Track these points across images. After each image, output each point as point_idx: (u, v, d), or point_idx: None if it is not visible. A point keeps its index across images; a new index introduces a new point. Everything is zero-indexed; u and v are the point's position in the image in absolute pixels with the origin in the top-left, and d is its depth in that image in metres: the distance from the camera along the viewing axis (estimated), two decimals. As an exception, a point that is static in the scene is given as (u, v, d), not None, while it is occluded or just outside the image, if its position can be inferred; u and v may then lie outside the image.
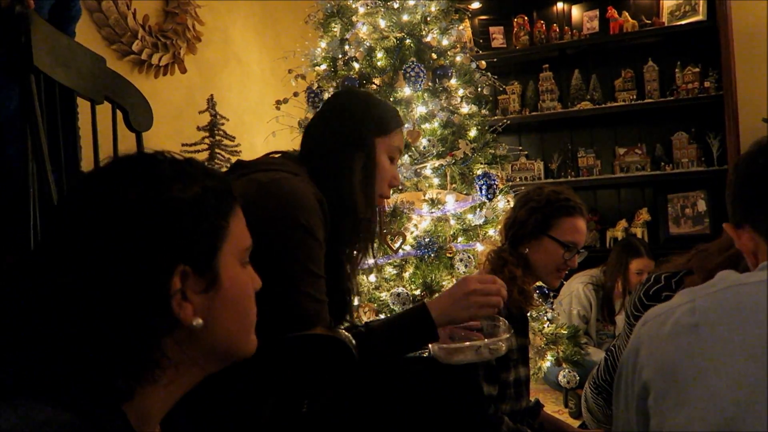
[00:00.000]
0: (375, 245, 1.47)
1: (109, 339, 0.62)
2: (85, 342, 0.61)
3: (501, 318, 1.35)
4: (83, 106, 1.61)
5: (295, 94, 2.73)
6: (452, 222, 2.36)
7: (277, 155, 1.38)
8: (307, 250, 1.18)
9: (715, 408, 0.69)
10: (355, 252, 1.42)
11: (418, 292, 2.21)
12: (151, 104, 1.78)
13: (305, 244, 1.18)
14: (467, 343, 1.27)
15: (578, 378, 2.34)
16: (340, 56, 2.61)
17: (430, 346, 1.28)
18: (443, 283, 2.21)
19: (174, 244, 0.65)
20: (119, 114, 1.67)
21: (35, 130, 1.33)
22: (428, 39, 2.58)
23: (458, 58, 2.65)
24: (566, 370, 2.36)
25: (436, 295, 1.27)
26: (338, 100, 1.45)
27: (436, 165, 2.41)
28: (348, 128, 1.35)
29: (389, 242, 2.31)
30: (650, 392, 0.77)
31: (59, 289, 0.62)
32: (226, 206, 0.72)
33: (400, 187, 2.39)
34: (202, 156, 2.72)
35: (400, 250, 2.27)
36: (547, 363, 2.47)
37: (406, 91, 2.46)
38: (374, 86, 2.54)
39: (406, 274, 2.27)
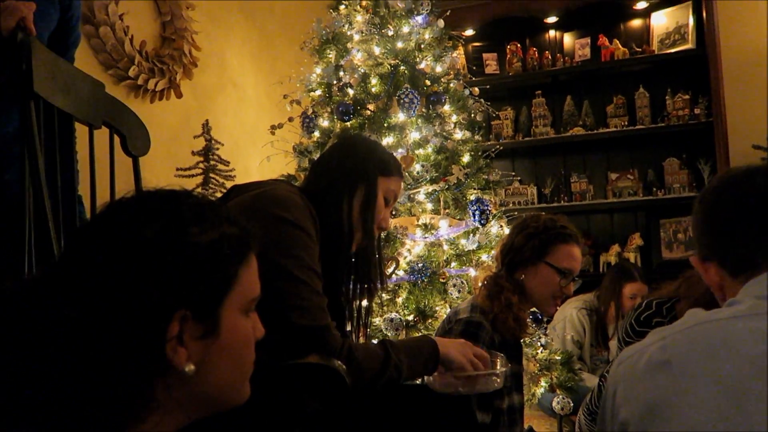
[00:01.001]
0: (375, 280, 1.48)
1: (101, 374, 0.61)
2: (78, 375, 0.61)
3: (499, 354, 1.37)
4: (81, 130, 1.62)
5: (290, 119, 2.75)
6: (445, 247, 2.36)
7: (273, 179, 1.41)
8: (299, 241, 1.20)
9: None
10: (354, 287, 1.45)
11: (411, 318, 2.20)
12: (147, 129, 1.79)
13: (295, 236, 1.20)
14: (463, 373, 1.28)
15: (572, 404, 2.33)
16: (335, 82, 2.64)
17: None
18: (436, 308, 2.21)
19: (179, 288, 0.64)
20: (117, 139, 1.68)
21: (33, 155, 1.34)
22: (422, 66, 2.61)
23: (452, 85, 2.69)
24: (560, 397, 2.35)
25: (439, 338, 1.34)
26: (347, 140, 1.54)
27: (430, 190, 2.43)
28: (353, 162, 1.40)
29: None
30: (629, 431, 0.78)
31: (59, 319, 0.61)
32: (240, 255, 0.71)
33: (393, 212, 2.40)
34: (197, 180, 2.72)
35: (393, 276, 2.27)
36: (541, 389, 2.46)
37: (400, 116, 2.48)
38: (368, 112, 2.56)
39: (399, 300, 2.27)
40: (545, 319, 2.66)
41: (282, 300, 1.15)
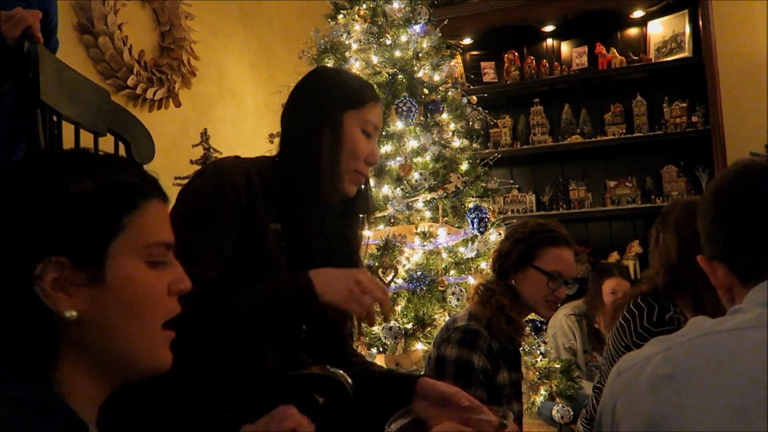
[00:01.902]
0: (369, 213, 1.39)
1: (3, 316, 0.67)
2: None
3: (510, 413, 1.27)
4: (86, 137, 1.62)
5: (289, 128, 2.75)
6: (444, 255, 2.37)
7: None
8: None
9: None
10: (350, 231, 1.33)
11: (410, 326, 2.20)
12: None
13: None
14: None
15: (572, 413, 2.32)
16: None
17: None
18: (435, 316, 2.21)
19: (49, 235, 0.66)
20: (122, 146, 1.69)
21: None
22: (420, 74, 2.62)
23: (450, 93, 2.70)
24: (560, 405, 2.35)
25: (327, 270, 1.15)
26: (306, 78, 1.36)
27: (428, 198, 2.43)
28: (313, 104, 1.27)
29: (381, 276, 2.31)
30: None
31: None
32: (128, 202, 0.71)
33: (391, 221, 2.40)
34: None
35: (392, 284, 2.27)
36: (540, 398, 2.45)
37: (398, 125, 2.49)
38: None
39: (398, 308, 2.27)
40: (544, 328, 2.65)
41: None
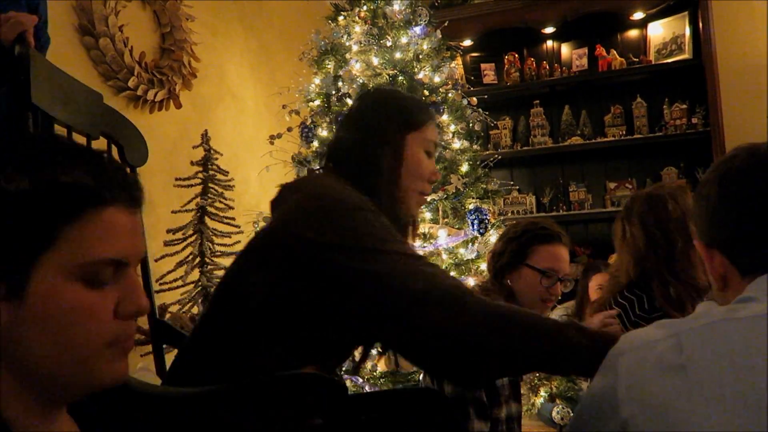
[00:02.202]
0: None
1: None
2: None
3: None
4: (79, 141, 1.62)
5: (289, 129, 2.76)
6: (444, 256, 2.37)
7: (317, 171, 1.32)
8: (369, 227, 1.08)
9: None
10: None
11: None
12: (145, 139, 1.80)
13: (365, 221, 1.09)
14: None
15: (572, 414, 2.32)
16: (333, 92, 2.66)
17: None
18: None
19: None
20: (114, 149, 1.69)
21: None
22: (420, 76, 2.63)
23: (450, 95, 2.70)
24: (560, 406, 2.34)
25: None
26: (364, 100, 1.39)
27: (428, 199, 2.43)
28: (374, 126, 1.29)
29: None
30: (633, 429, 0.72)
31: None
32: (68, 208, 0.60)
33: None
34: (195, 190, 2.73)
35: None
36: (540, 399, 2.45)
37: (398, 126, 2.49)
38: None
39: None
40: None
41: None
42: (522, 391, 2.26)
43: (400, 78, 2.59)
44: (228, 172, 2.83)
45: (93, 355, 0.63)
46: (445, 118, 2.62)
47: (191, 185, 2.71)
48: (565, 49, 4.39)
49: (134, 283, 0.66)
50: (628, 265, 1.80)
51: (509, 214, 4.07)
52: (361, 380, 2.15)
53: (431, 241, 2.33)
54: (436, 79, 2.66)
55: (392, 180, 1.26)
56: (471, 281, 2.32)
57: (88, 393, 0.67)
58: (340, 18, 2.79)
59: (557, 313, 2.99)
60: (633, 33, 4.24)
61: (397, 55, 2.62)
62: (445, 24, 2.90)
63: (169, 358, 1.39)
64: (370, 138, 1.28)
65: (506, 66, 4.33)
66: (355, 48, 2.68)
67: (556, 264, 1.67)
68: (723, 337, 0.70)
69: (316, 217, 1.11)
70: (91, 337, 0.62)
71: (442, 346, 1.00)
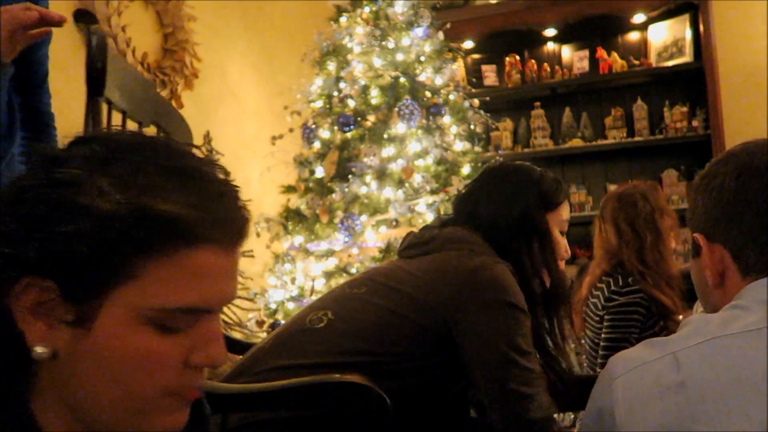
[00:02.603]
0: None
1: None
2: None
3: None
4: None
5: (291, 130, 2.77)
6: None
7: (459, 231, 1.32)
8: (516, 325, 1.18)
9: None
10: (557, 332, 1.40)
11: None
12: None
13: (518, 320, 1.18)
14: None
15: (573, 416, 2.32)
16: (335, 93, 2.66)
17: None
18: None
19: (39, 247, 0.51)
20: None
21: None
22: (422, 78, 2.63)
23: (451, 97, 2.71)
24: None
25: None
26: (506, 178, 1.38)
27: (430, 201, 2.44)
28: (521, 210, 1.32)
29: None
30: None
31: None
32: (156, 243, 0.52)
33: (393, 224, 2.40)
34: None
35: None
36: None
37: (400, 128, 2.50)
38: (369, 123, 2.58)
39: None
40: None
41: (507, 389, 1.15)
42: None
43: (402, 79, 2.59)
44: (230, 173, 2.83)
45: (150, 405, 0.56)
46: (446, 119, 2.62)
47: (193, 185, 2.71)
48: (566, 52, 4.39)
49: (214, 332, 0.57)
50: (601, 260, 1.98)
51: (510, 216, 4.07)
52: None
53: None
54: (438, 81, 2.67)
55: (550, 259, 1.33)
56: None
57: None
58: (342, 19, 2.79)
59: None
60: (634, 36, 4.25)
61: (399, 57, 2.63)
62: (447, 26, 2.90)
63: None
64: (520, 226, 1.31)
65: (507, 68, 4.34)
66: (357, 49, 2.68)
67: None
68: (721, 353, 0.68)
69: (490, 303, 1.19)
70: (152, 385, 0.55)
71: None
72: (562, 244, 1.37)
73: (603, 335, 1.86)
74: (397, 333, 1.18)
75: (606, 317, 1.87)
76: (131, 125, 1.60)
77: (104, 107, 1.48)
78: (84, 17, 1.43)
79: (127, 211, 0.51)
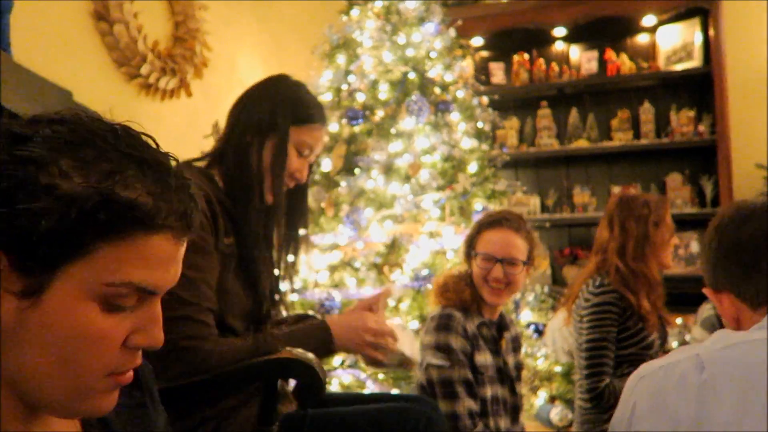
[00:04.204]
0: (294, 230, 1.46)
1: None
2: None
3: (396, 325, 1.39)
4: None
5: (299, 123, 2.77)
6: (450, 255, 2.38)
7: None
8: None
9: None
10: (280, 249, 1.42)
11: (414, 324, 2.22)
12: (155, 126, 1.80)
13: None
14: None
15: (571, 416, 2.34)
16: (344, 87, 2.66)
17: None
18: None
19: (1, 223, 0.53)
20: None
21: None
22: (432, 74, 2.63)
23: (460, 94, 2.71)
24: (559, 408, 2.36)
25: (336, 315, 1.29)
26: (259, 87, 1.43)
27: (436, 198, 2.44)
28: (263, 111, 1.34)
29: (386, 273, 2.33)
30: None
31: None
32: (116, 227, 0.55)
33: (398, 219, 2.41)
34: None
35: (397, 282, 2.29)
36: (538, 399, 2.47)
37: (408, 123, 2.50)
38: (377, 118, 2.58)
39: (403, 306, 2.28)
40: (543, 330, 2.67)
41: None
42: (522, 392, 2.28)
43: (412, 75, 2.59)
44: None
45: (88, 383, 0.57)
46: (454, 116, 2.62)
47: (199, 174, 2.72)
48: (575, 52, 4.39)
49: (155, 314, 0.60)
50: (592, 254, 2.05)
51: (513, 215, 4.07)
52: (363, 375, 2.17)
53: (437, 239, 2.35)
54: (448, 78, 2.67)
55: (278, 167, 1.34)
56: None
57: (65, 418, 0.63)
58: (354, 13, 2.79)
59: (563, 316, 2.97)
60: (643, 38, 4.24)
61: (410, 52, 2.63)
62: (459, 23, 2.90)
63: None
64: (259, 123, 1.35)
65: (515, 66, 4.33)
66: (367, 43, 2.68)
67: (491, 248, 1.71)
68: (743, 356, 0.75)
69: None
70: (93, 363, 0.57)
71: None
72: (295, 162, 1.36)
73: (584, 336, 1.89)
74: None
75: (585, 318, 1.91)
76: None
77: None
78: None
79: (89, 193, 0.53)
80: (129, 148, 0.57)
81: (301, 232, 1.46)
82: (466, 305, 1.69)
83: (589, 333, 1.89)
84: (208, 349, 1.13)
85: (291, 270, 1.46)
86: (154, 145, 0.61)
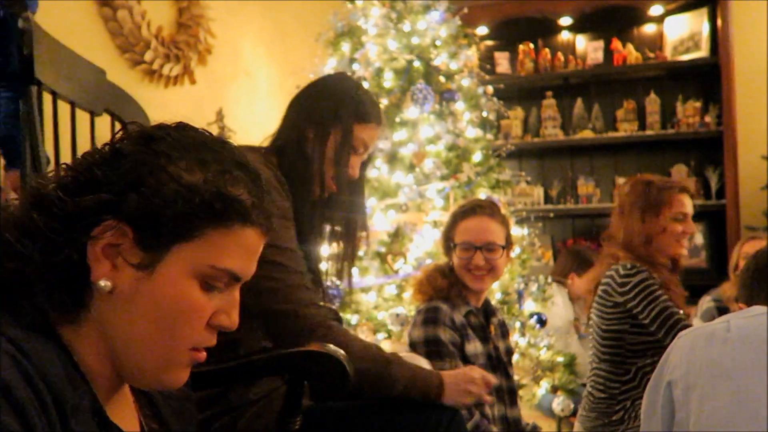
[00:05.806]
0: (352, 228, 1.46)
1: (43, 255, 0.63)
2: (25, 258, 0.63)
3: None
4: (82, 117, 1.61)
5: (303, 111, 2.75)
6: (453, 244, 2.37)
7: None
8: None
9: (747, 402, 0.82)
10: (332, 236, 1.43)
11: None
12: (158, 114, 1.76)
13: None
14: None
15: (573, 406, 2.34)
16: (349, 75, 2.64)
17: None
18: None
19: (128, 198, 0.63)
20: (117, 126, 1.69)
21: (35, 143, 1.35)
22: (437, 62, 2.61)
23: (465, 83, 2.69)
24: (561, 398, 2.36)
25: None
26: (320, 83, 1.46)
27: (440, 187, 2.43)
28: (329, 106, 1.35)
29: (389, 262, 2.33)
30: (678, 386, 0.90)
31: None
32: (223, 217, 0.66)
33: (402, 208, 2.41)
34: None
35: (400, 271, 2.28)
36: (541, 389, 2.47)
37: (412, 112, 2.49)
38: (381, 106, 2.57)
39: (406, 295, 2.28)
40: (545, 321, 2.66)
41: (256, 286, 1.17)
42: (524, 382, 2.28)
43: (417, 63, 2.58)
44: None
45: (176, 354, 0.67)
46: (459, 106, 2.61)
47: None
48: (581, 42, 4.36)
49: (236, 300, 0.70)
50: (606, 243, 2.08)
51: (517, 205, 4.06)
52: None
53: (441, 228, 2.34)
54: (453, 66, 2.65)
55: (341, 159, 1.36)
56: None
57: (147, 387, 0.73)
58: (358, 0, 2.77)
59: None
60: (650, 28, 4.21)
61: (415, 40, 2.61)
62: (465, 11, 2.87)
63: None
64: (323, 116, 1.38)
65: (520, 56, 4.31)
66: (372, 31, 2.66)
67: (470, 235, 1.71)
68: (765, 323, 0.88)
69: None
70: (185, 334, 0.67)
71: None
72: (351, 160, 1.37)
73: (646, 318, 1.83)
74: None
75: (630, 302, 1.85)
76: (81, 115, 1.58)
77: (49, 97, 1.45)
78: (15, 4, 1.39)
79: (208, 186, 0.65)
80: (232, 154, 0.70)
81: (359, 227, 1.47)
82: (444, 294, 1.69)
83: (649, 308, 1.80)
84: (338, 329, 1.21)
85: (347, 267, 1.47)
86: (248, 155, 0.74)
